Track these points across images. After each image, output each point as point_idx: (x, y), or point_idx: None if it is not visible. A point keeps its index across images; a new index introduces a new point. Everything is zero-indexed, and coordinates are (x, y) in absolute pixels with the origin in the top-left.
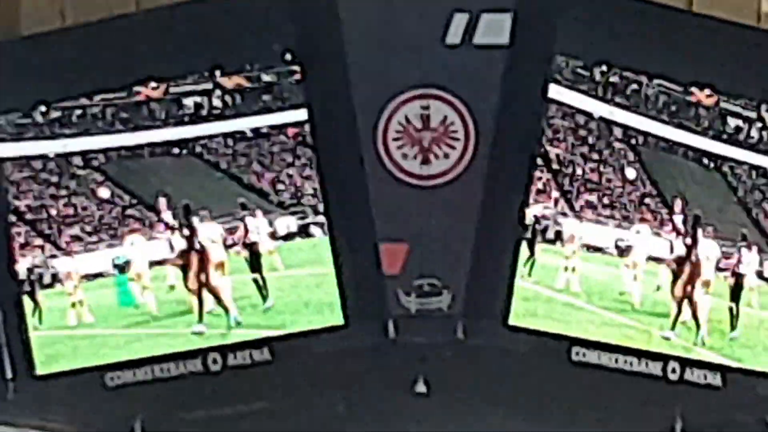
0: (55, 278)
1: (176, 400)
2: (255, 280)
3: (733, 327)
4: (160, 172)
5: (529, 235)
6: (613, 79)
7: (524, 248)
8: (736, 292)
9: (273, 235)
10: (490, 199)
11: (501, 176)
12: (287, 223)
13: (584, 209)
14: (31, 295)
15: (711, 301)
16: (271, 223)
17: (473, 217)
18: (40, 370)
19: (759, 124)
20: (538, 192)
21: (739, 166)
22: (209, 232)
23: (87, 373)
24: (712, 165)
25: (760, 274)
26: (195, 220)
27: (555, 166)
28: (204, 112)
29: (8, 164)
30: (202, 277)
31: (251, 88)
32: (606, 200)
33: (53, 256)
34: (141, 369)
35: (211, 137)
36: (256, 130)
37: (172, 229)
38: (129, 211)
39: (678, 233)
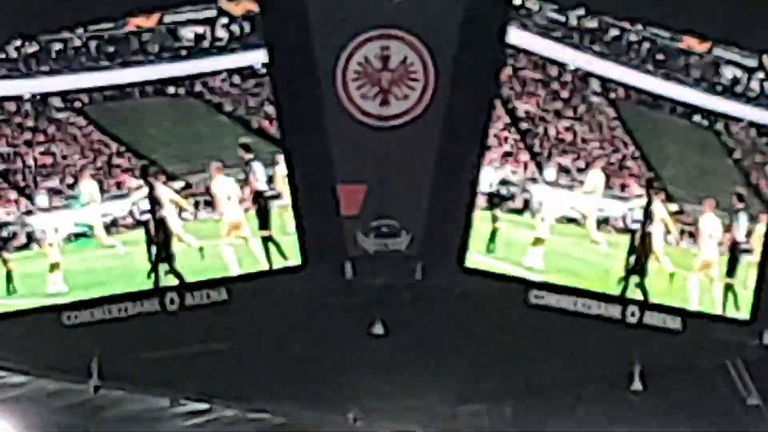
0: (31, 238)
1: (133, 340)
2: (264, 240)
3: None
4: (152, 116)
5: (486, 203)
6: (591, 24)
7: (486, 218)
8: (732, 265)
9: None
10: (448, 140)
11: (460, 117)
12: None
13: (556, 174)
14: None
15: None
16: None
17: (432, 158)
18: None
19: (760, 75)
20: (505, 155)
21: (735, 123)
22: (225, 189)
23: (44, 312)
24: (704, 122)
25: None
26: (157, 183)
27: (524, 125)
28: (205, 45)
29: None
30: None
31: (262, 14)
32: (581, 164)
33: (29, 212)
34: (98, 308)
35: (213, 74)
36: (268, 65)
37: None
38: (116, 161)
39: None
